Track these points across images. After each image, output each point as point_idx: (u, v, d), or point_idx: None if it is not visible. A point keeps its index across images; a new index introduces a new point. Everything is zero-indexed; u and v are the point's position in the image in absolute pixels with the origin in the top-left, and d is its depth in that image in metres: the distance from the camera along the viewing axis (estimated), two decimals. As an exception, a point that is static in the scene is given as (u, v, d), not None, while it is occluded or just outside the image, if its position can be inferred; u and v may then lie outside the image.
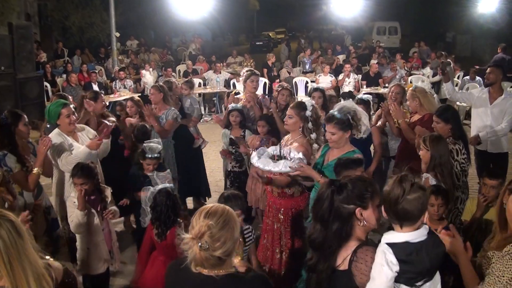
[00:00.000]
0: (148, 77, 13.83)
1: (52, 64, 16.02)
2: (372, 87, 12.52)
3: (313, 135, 4.34)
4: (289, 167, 3.86)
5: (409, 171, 2.51)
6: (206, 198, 6.78)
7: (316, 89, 6.08)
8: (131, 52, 19.28)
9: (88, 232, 4.05)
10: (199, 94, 13.21)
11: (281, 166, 3.92)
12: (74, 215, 3.94)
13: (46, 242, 4.27)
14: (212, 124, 8.66)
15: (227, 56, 20.16)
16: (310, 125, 4.32)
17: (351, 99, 4.86)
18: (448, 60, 13.86)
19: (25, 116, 4.42)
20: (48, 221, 4.51)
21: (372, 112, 5.87)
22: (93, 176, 4.08)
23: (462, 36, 28.42)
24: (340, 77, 12.88)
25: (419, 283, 2.33)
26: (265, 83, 13.23)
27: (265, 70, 14.54)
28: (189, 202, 6.71)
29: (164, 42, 25.43)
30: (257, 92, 6.37)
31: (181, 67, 16.91)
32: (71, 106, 4.77)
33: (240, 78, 7.00)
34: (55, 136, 4.49)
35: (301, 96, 13.23)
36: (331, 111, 4.02)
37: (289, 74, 15.07)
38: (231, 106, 5.88)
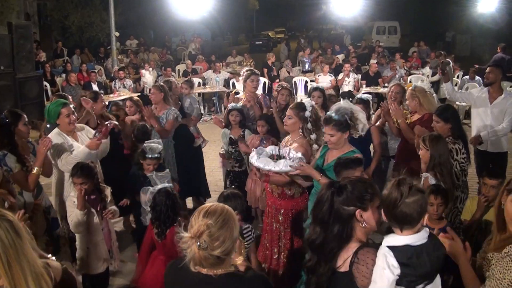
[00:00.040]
0: (148, 76, 13.83)
1: (52, 64, 16.02)
2: (372, 87, 12.53)
3: (313, 136, 4.33)
4: (290, 166, 3.86)
5: (408, 173, 2.51)
6: (206, 198, 6.78)
7: (315, 89, 6.07)
8: (130, 51, 19.27)
9: (87, 231, 4.05)
10: (199, 94, 13.21)
11: (281, 166, 3.91)
12: (74, 214, 3.94)
13: (47, 242, 4.27)
14: (212, 123, 8.66)
15: (226, 56, 20.16)
16: (309, 125, 4.31)
17: (347, 99, 4.85)
18: (447, 59, 13.86)
19: (25, 116, 4.42)
20: (48, 220, 4.50)
21: (372, 112, 5.87)
22: (92, 175, 4.08)
23: (461, 35, 28.44)
24: (340, 76, 12.88)
25: (420, 286, 2.33)
26: (264, 82, 13.22)
27: (265, 70, 14.53)
28: (189, 202, 6.71)
29: (163, 42, 25.44)
30: (257, 92, 6.36)
31: (181, 67, 16.91)
32: (71, 106, 4.76)
33: (240, 78, 7.00)
34: (54, 136, 4.49)
35: (301, 95, 13.24)
36: (328, 113, 4.01)
37: (289, 74, 15.07)
38: (230, 105, 5.88)
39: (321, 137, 4.26)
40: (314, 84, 10.88)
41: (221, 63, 16.38)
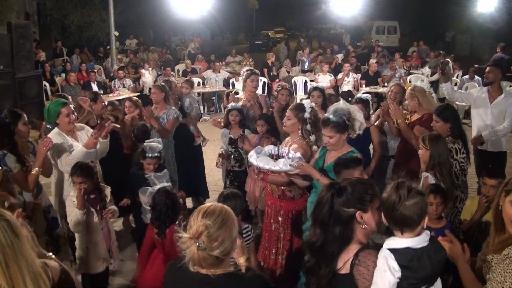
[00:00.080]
0: (147, 76, 13.82)
1: (51, 63, 16.02)
2: (371, 86, 12.53)
3: (312, 137, 4.33)
4: (289, 165, 3.86)
5: (408, 174, 2.50)
6: (205, 198, 6.78)
7: (315, 89, 6.07)
8: (130, 51, 19.25)
9: (87, 231, 4.05)
10: (198, 93, 13.20)
11: (281, 165, 3.91)
12: (73, 214, 3.94)
13: (47, 242, 4.26)
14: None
15: (226, 55, 20.15)
16: (308, 127, 4.31)
17: (346, 99, 4.85)
18: (446, 59, 13.86)
19: (25, 116, 4.41)
20: (48, 220, 4.50)
21: (372, 112, 5.87)
22: (92, 175, 4.08)
23: (461, 35, 28.47)
24: (339, 76, 12.88)
25: None
26: (264, 82, 13.22)
27: (266, 70, 14.53)
28: (188, 201, 6.70)
29: (163, 41, 25.43)
30: (256, 92, 6.36)
31: (180, 66, 16.91)
32: (71, 105, 4.76)
33: (240, 78, 7.00)
34: (54, 135, 4.48)
35: (300, 95, 13.23)
36: (325, 115, 4.00)
37: (288, 73, 15.07)
38: (230, 105, 5.88)
39: (320, 138, 4.26)
40: (314, 84, 10.88)
41: (220, 63, 16.37)
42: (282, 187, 4.39)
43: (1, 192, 3.40)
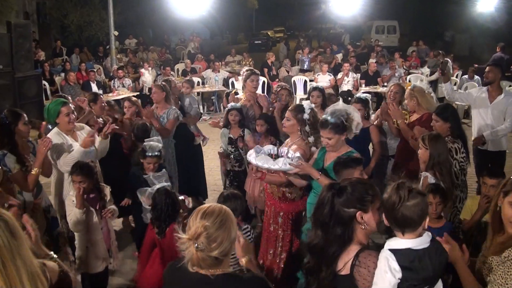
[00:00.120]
0: (147, 76, 13.81)
1: (51, 63, 16.01)
2: (371, 86, 12.53)
3: (311, 139, 4.32)
4: (289, 164, 3.86)
5: (407, 175, 2.50)
6: (205, 198, 6.77)
7: (315, 88, 6.06)
8: (129, 50, 19.24)
9: (86, 230, 4.05)
10: (198, 93, 13.20)
11: (280, 164, 3.90)
12: (73, 213, 3.94)
13: (47, 242, 4.26)
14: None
15: (225, 55, 20.15)
16: (307, 128, 4.31)
17: (342, 100, 4.85)
18: (446, 59, 13.87)
19: (25, 115, 4.41)
20: (48, 220, 4.50)
21: (371, 111, 5.87)
22: (92, 175, 4.08)
23: (460, 35, 28.48)
24: (339, 76, 12.88)
25: None
26: (263, 82, 13.21)
27: (266, 70, 14.52)
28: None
29: (162, 41, 25.43)
30: (257, 92, 6.35)
31: (180, 66, 16.90)
32: (71, 105, 4.76)
33: (240, 77, 7.00)
34: (54, 135, 4.47)
35: (300, 95, 13.24)
36: (323, 116, 3.98)
37: (288, 73, 15.07)
38: (230, 105, 5.88)
39: (319, 139, 4.26)
40: (314, 84, 10.88)
41: (220, 62, 16.38)
42: (283, 189, 4.39)
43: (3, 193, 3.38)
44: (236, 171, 5.87)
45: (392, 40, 28.64)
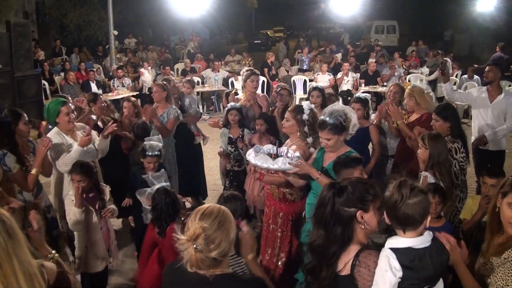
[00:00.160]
0: (147, 75, 13.81)
1: (50, 62, 16.00)
2: (371, 86, 12.54)
3: (309, 139, 4.32)
4: (288, 163, 3.85)
5: (407, 174, 2.49)
6: (205, 197, 6.77)
7: (315, 88, 6.05)
8: (129, 50, 19.24)
9: (86, 230, 4.05)
10: (197, 93, 13.19)
11: (280, 163, 3.90)
12: (72, 212, 3.94)
13: (46, 242, 4.25)
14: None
15: (225, 55, 20.17)
16: (306, 128, 4.31)
17: (337, 101, 4.85)
18: (445, 58, 13.88)
19: (25, 115, 4.40)
20: (48, 220, 4.50)
21: (371, 111, 5.87)
22: (91, 174, 4.07)
23: (460, 35, 28.47)
24: (339, 75, 12.89)
25: None
26: (263, 81, 13.21)
27: (266, 70, 14.53)
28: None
29: (162, 41, 25.42)
30: (257, 92, 6.35)
31: (179, 66, 16.90)
32: (70, 105, 4.75)
33: (239, 77, 6.99)
34: (53, 135, 4.47)
35: (299, 94, 13.25)
36: (321, 117, 3.97)
37: (288, 73, 15.07)
38: (230, 105, 5.87)
39: (318, 140, 4.25)
40: (314, 84, 10.88)
41: (219, 62, 16.39)
42: (283, 190, 4.38)
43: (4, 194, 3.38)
44: (236, 171, 5.87)
45: (392, 40, 28.68)
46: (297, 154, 4.02)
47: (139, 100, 8.42)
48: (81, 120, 5.18)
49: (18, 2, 18.67)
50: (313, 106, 4.58)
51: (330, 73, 13.30)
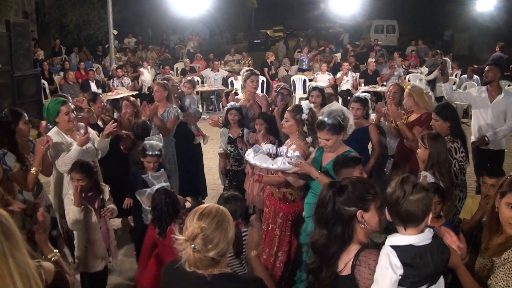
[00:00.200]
0: (146, 75, 13.81)
1: (50, 62, 16.01)
2: (370, 85, 12.54)
3: (309, 139, 4.32)
4: (288, 163, 3.85)
5: (408, 172, 2.48)
6: (205, 197, 6.77)
7: (314, 88, 6.05)
8: (128, 50, 19.24)
9: (85, 229, 4.05)
10: (197, 92, 13.18)
11: (279, 163, 3.89)
12: (71, 211, 3.94)
13: (46, 241, 4.25)
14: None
15: (224, 54, 20.17)
16: (305, 128, 4.31)
17: (335, 101, 4.85)
18: (445, 58, 13.88)
19: (26, 115, 4.40)
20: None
21: (371, 111, 5.86)
22: (91, 174, 4.08)
23: (460, 34, 28.49)
24: (338, 75, 12.89)
25: (423, 287, 2.30)
26: (262, 81, 13.21)
27: (266, 69, 14.53)
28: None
29: (161, 40, 25.43)
30: (256, 91, 6.34)
31: (179, 65, 16.90)
32: (70, 104, 4.75)
33: (239, 77, 6.98)
34: (53, 135, 4.46)
35: (299, 94, 13.25)
36: (320, 118, 3.97)
37: (287, 72, 15.07)
38: (229, 104, 5.87)
39: (317, 140, 4.25)
40: (313, 83, 10.88)
41: (219, 62, 16.40)
42: (283, 190, 4.38)
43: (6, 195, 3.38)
44: (235, 171, 5.87)
45: (391, 40, 28.68)
46: (297, 153, 4.02)
47: (138, 100, 8.41)
48: (79, 119, 5.17)
49: (18, 2, 18.67)
50: (312, 105, 4.58)
51: (330, 73, 13.30)
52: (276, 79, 14.29)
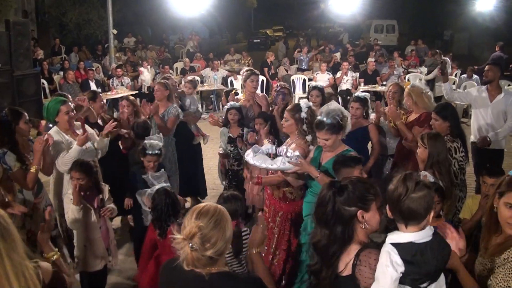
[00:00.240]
0: (146, 74, 13.81)
1: (49, 61, 16.01)
2: (370, 85, 12.54)
3: (308, 137, 4.31)
4: (288, 162, 3.85)
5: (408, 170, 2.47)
6: (205, 197, 6.77)
7: (314, 88, 6.05)
8: (128, 49, 19.23)
9: (84, 228, 4.04)
10: (197, 92, 13.18)
11: (279, 163, 3.89)
12: (70, 210, 3.94)
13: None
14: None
15: (224, 54, 20.15)
16: (304, 127, 4.30)
17: (333, 100, 4.84)
18: (445, 58, 13.90)
19: (26, 114, 4.39)
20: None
21: (370, 110, 5.87)
22: (91, 173, 4.07)
23: (459, 34, 28.50)
24: (338, 75, 12.89)
25: (424, 285, 2.29)
26: (262, 81, 13.21)
27: (266, 69, 14.53)
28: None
29: (161, 40, 25.41)
30: (256, 91, 6.34)
31: (179, 65, 16.90)
32: (70, 104, 4.75)
33: (238, 76, 6.98)
34: (53, 134, 4.45)
35: (299, 94, 13.24)
36: (318, 118, 3.95)
37: (287, 72, 15.07)
38: (229, 104, 5.87)
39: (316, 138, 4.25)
40: (313, 83, 10.88)
41: (219, 61, 16.38)
42: (283, 189, 4.38)
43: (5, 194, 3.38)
44: (235, 170, 5.86)
45: (391, 39, 28.67)
46: (297, 153, 4.02)
47: (138, 99, 8.41)
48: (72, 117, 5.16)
49: (18, 1, 18.66)
50: (311, 104, 4.58)
51: (329, 73, 13.30)
52: (276, 78, 14.29)
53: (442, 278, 2.40)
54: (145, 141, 4.77)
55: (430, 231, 2.34)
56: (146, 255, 4.02)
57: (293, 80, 13.85)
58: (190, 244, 2.11)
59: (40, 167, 4.18)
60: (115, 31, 15.38)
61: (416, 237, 2.30)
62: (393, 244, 2.29)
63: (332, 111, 3.92)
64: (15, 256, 1.99)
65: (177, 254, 2.20)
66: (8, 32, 9.72)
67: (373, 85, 12.56)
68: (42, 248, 2.71)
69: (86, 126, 4.92)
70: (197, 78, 13.84)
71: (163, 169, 4.76)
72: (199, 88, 13.38)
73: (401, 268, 2.23)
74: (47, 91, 12.45)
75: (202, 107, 13.53)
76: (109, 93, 11.98)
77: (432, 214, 2.34)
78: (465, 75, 12.80)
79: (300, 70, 15.93)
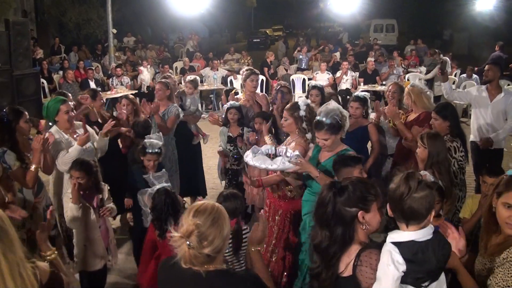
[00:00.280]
0: (145, 74, 13.81)
1: (49, 61, 15.99)
2: (370, 85, 12.54)
3: (308, 135, 4.31)
4: (288, 162, 3.85)
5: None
6: (205, 196, 6.76)
7: (314, 87, 6.05)
8: (128, 49, 19.22)
9: (84, 228, 4.04)
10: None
11: (279, 163, 3.89)
12: (69, 209, 3.94)
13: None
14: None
15: (224, 53, 20.15)
16: (304, 124, 4.30)
17: (332, 100, 4.84)
18: (445, 57, 13.89)
19: (26, 113, 4.39)
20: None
21: (370, 110, 5.87)
22: (90, 173, 4.07)
23: (459, 34, 28.51)
24: (338, 74, 12.89)
25: (426, 284, 2.28)
26: (262, 80, 13.21)
27: (266, 69, 14.52)
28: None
29: (161, 39, 25.41)
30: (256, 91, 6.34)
31: (178, 64, 16.88)
32: (70, 103, 4.75)
33: (238, 76, 6.97)
34: (53, 133, 4.46)
35: (298, 93, 13.24)
36: (318, 118, 3.95)
37: (287, 72, 15.07)
38: (229, 103, 5.87)
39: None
40: (313, 82, 10.87)
41: (218, 61, 16.37)
42: (283, 187, 4.38)
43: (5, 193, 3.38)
44: (235, 170, 5.86)
45: (391, 39, 28.67)
46: (296, 152, 4.01)
47: (137, 99, 8.40)
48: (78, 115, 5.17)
49: (17, 1, 18.67)
50: (309, 101, 4.58)
51: (329, 72, 13.30)
52: (276, 78, 14.29)
53: (442, 277, 2.39)
54: (145, 140, 4.77)
55: (431, 230, 2.34)
56: (146, 255, 4.02)
57: (292, 79, 13.84)
58: (188, 242, 2.12)
59: (41, 166, 4.18)
60: (114, 31, 15.38)
61: (417, 235, 2.30)
62: (394, 243, 2.29)
63: (331, 111, 3.91)
64: (12, 256, 1.99)
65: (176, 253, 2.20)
66: (8, 32, 9.73)
67: (373, 85, 12.56)
68: (40, 246, 2.71)
69: (77, 123, 4.92)
70: (197, 77, 13.91)
71: (164, 169, 4.76)
72: (199, 88, 13.39)
73: (403, 267, 2.22)
74: (47, 90, 12.46)
75: (201, 106, 13.55)
76: (108, 92, 11.98)
77: (433, 214, 2.33)
78: (464, 75, 12.81)
79: (299, 69, 15.92)
